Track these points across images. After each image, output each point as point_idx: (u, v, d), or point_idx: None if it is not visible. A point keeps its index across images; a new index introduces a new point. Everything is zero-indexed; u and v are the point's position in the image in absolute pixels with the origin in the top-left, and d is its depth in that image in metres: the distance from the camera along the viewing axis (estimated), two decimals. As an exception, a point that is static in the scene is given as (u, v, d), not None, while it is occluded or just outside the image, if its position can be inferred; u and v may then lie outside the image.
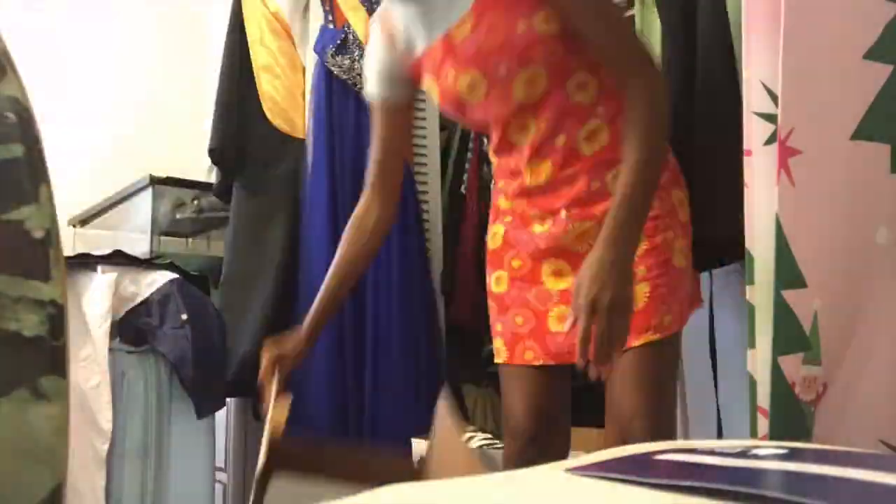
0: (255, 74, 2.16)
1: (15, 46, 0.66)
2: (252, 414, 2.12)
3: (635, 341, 1.13)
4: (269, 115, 2.15)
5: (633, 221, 1.09)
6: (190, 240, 2.76)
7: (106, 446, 1.56)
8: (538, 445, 1.25)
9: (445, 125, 2.47)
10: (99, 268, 1.72)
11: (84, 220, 2.78)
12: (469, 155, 2.37)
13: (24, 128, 0.48)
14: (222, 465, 2.08)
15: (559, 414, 1.31)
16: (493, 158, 1.34)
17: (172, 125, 3.10)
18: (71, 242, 2.71)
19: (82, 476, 1.52)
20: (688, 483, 0.28)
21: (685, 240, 1.22)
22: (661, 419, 1.17)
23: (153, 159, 2.70)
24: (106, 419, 1.56)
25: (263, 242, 2.10)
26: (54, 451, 0.43)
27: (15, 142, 0.47)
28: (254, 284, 2.06)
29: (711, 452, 0.32)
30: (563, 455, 1.27)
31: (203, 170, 2.57)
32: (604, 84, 1.21)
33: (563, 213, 1.22)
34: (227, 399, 2.07)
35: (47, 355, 0.45)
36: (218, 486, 2.01)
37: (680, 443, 0.38)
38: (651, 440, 1.08)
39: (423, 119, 2.22)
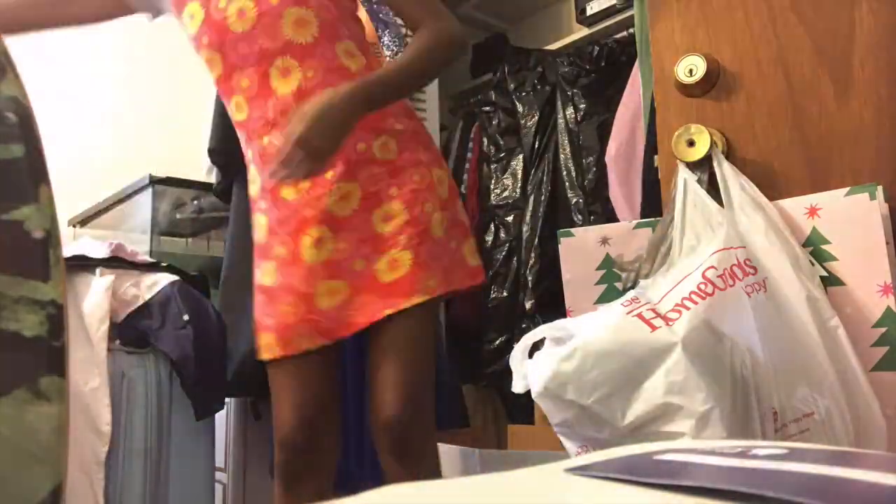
0: (255, 75, 2.16)
1: (15, 47, 0.66)
2: (252, 414, 2.12)
3: (404, 303, 1.18)
4: (268, 115, 2.14)
5: (377, 95, 1.15)
6: (189, 240, 2.76)
7: (105, 448, 1.55)
8: (312, 444, 1.23)
9: (445, 125, 2.47)
10: (97, 270, 1.72)
11: (84, 221, 2.78)
12: (469, 155, 2.38)
13: (25, 128, 0.48)
14: (222, 466, 2.08)
15: (334, 404, 1.27)
16: (242, 112, 1.25)
17: (172, 125, 3.10)
18: (71, 242, 2.72)
19: (82, 478, 1.52)
20: (687, 483, 0.28)
21: (444, 213, 1.25)
22: (416, 390, 1.20)
23: (153, 159, 2.70)
24: (105, 421, 1.56)
25: (263, 243, 2.10)
26: (54, 451, 0.43)
27: (15, 142, 0.47)
28: (253, 285, 2.06)
29: (711, 452, 0.32)
30: (333, 457, 1.27)
31: (203, 170, 2.57)
32: (370, 62, 1.26)
33: (329, 173, 1.21)
34: (227, 399, 2.07)
35: (47, 355, 0.45)
36: (218, 487, 2.01)
37: (680, 443, 0.38)
38: (407, 410, 1.16)
39: (424, 120, 2.23)
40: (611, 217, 1.89)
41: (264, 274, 1.28)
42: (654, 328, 0.95)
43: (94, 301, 1.67)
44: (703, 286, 0.99)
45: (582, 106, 2.09)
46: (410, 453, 1.20)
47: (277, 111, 1.21)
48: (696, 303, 0.97)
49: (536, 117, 2.18)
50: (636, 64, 1.85)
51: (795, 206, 1.07)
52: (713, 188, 1.12)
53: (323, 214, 1.22)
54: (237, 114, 1.26)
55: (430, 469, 1.23)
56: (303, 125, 1.07)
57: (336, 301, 1.21)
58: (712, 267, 1.00)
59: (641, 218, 1.50)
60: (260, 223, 1.29)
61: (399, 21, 2.14)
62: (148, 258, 1.88)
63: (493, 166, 2.26)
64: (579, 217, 2.02)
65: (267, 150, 1.22)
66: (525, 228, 2.12)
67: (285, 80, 1.20)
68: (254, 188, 1.30)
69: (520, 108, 2.24)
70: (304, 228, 1.23)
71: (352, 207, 1.22)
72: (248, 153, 1.28)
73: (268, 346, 1.24)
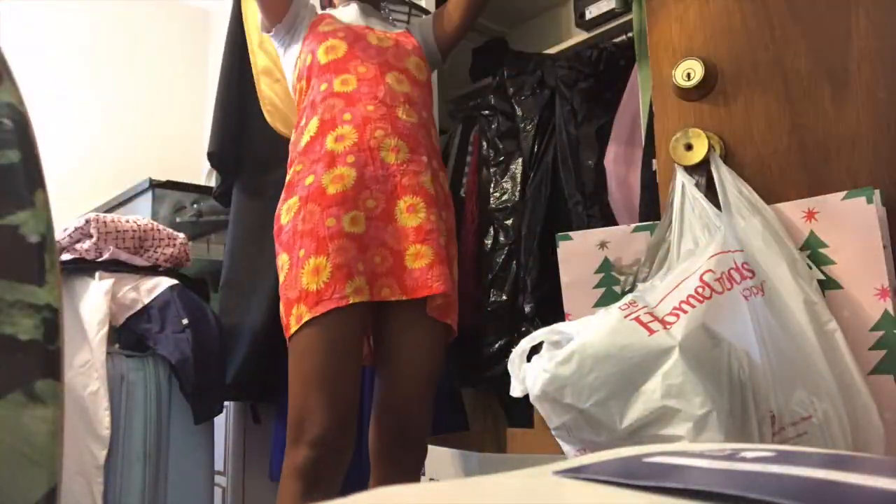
0: (255, 78, 2.17)
1: (15, 51, 0.66)
2: (251, 417, 2.12)
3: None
4: (268, 118, 2.15)
5: None
6: (189, 243, 2.77)
7: (104, 452, 1.55)
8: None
9: (445, 129, 2.48)
10: (97, 273, 1.72)
11: (84, 225, 2.78)
12: (468, 158, 2.38)
13: (21, 134, 0.49)
14: (221, 469, 2.08)
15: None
16: (349, 86, 1.47)
17: (172, 129, 3.11)
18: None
19: (81, 482, 1.52)
20: (675, 485, 0.28)
21: None
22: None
23: (152, 163, 2.70)
24: (104, 425, 1.56)
25: (263, 246, 2.10)
26: (49, 453, 0.43)
27: (11, 147, 0.48)
28: (253, 288, 2.06)
29: (700, 455, 0.32)
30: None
31: (202, 173, 2.58)
32: (431, 115, 1.58)
33: (424, 157, 1.46)
34: (226, 403, 2.08)
35: (42, 359, 0.45)
36: (217, 490, 2.01)
37: (670, 445, 0.38)
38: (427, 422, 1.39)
39: (423, 123, 2.23)
40: (609, 220, 1.89)
41: (351, 222, 1.36)
42: (651, 332, 0.95)
43: (93, 304, 1.67)
44: (700, 290, 0.99)
45: (581, 110, 2.10)
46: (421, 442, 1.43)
47: (387, 95, 1.47)
48: (693, 306, 0.97)
49: (535, 121, 2.18)
50: (635, 68, 1.85)
51: (793, 209, 1.07)
52: (711, 192, 1.12)
53: (419, 186, 1.42)
54: (341, 86, 1.47)
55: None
56: None
57: (421, 264, 1.36)
58: (710, 270, 1.00)
59: (640, 221, 1.50)
60: (346, 174, 1.39)
61: None
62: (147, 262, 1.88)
63: (492, 170, 2.26)
64: (578, 220, 2.02)
65: (372, 114, 1.44)
66: (524, 231, 2.12)
67: (399, 84, 1.50)
68: (343, 144, 1.42)
69: (519, 111, 2.24)
70: (399, 194, 1.40)
71: (442, 189, 1.48)
72: (346, 115, 1.44)
73: (360, 290, 1.32)
